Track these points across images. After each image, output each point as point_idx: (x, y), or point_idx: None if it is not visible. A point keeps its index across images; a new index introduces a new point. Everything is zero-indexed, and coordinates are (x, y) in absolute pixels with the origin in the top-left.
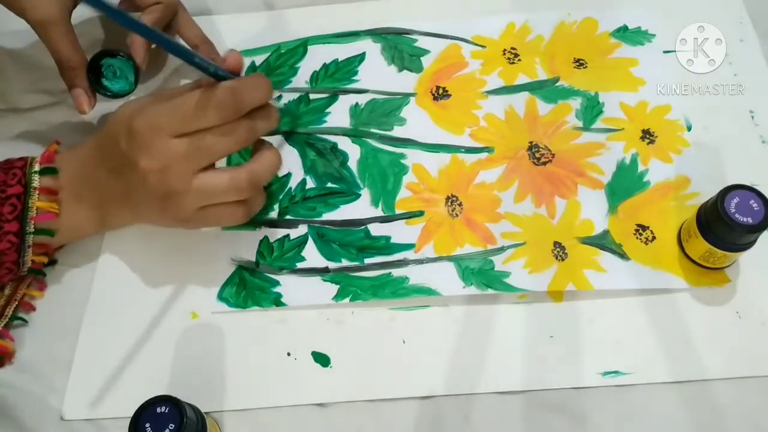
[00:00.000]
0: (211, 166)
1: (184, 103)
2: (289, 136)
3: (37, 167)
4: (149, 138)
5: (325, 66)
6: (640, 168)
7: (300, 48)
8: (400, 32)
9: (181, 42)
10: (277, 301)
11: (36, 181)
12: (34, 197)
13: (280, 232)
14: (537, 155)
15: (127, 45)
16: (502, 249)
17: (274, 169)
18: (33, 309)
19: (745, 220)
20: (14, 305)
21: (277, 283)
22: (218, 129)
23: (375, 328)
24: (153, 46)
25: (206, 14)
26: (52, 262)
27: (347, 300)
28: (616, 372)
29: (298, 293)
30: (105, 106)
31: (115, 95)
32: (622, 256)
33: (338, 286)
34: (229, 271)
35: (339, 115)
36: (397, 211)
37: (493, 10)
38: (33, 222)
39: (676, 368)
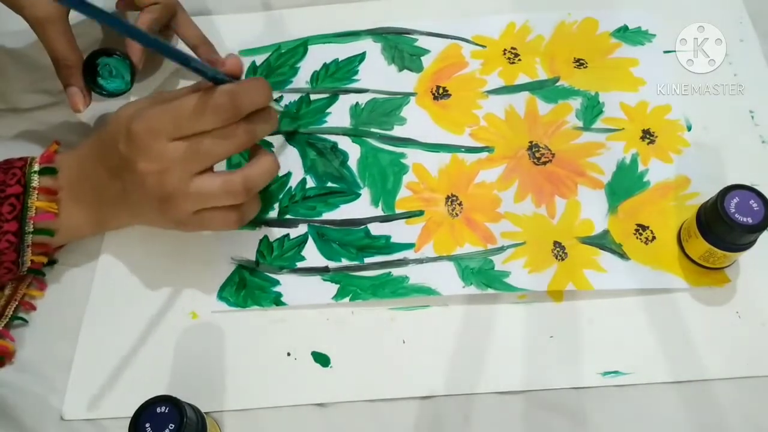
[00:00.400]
0: (210, 169)
1: (182, 106)
2: (290, 136)
3: (36, 167)
4: (147, 140)
5: (325, 66)
6: (640, 168)
7: (300, 48)
8: (401, 32)
9: (181, 46)
10: (277, 301)
11: (35, 181)
12: (33, 197)
13: (280, 232)
14: (537, 155)
15: (124, 44)
16: (502, 249)
17: (269, 175)
18: (33, 308)
19: (745, 220)
20: (14, 305)
21: (277, 283)
22: (216, 132)
23: (375, 328)
24: None
25: (206, 14)
26: (52, 262)
27: (347, 299)
28: (616, 372)
29: (298, 293)
30: (102, 105)
31: (111, 94)
32: (622, 255)
33: (338, 286)
34: (229, 270)
35: (339, 114)
36: (397, 211)
37: (493, 10)
38: (32, 222)
39: (676, 368)
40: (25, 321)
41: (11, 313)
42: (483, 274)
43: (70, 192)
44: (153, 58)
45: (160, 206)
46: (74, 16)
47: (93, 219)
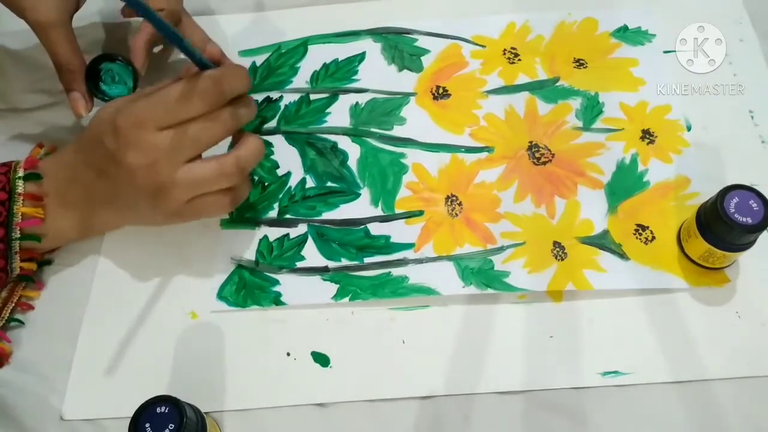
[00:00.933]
0: (198, 157)
1: (167, 95)
2: (290, 136)
3: (21, 173)
4: (135, 133)
5: (325, 66)
6: (640, 168)
7: (300, 48)
8: (401, 32)
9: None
10: (277, 300)
11: (20, 187)
12: (19, 203)
13: (280, 231)
14: (537, 155)
15: (127, 49)
16: (501, 249)
17: (259, 154)
18: (31, 308)
19: (744, 220)
20: (11, 307)
21: (276, 282)
22: (203, 118)
23: (375, 328)
24: (155, 50)
25: (207, 14)
26: (47, 262)
27: (347, 299)
28: (616, 372)
29: (298, 292)
30: None
31: (113, 100)
32: (622, 256)
33: (338, 286)
34: (228, 270)
35: (339, 114)
36: (397, 211)
37: (493, 10)
38: (18, 228)
39: (676, 368)
40: (22, 323)
41: (8, 314)
42: (483, 274)
43: (57, 197)
44: (156, 64)
45: (152, 200)
46: (77, 18)
47: (80, 223)
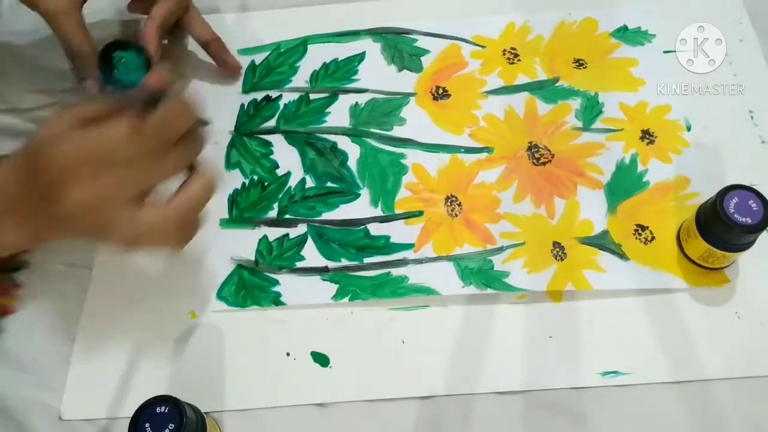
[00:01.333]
0: (144, 195)
1: (108, 135)
2: (289, 135)
3: None
4: (76, 170)
5: (325, 65)
6: (640, 168)
7: (300, 47)
8: (400, 32)
9: (191, 44)
10: (277, 300)
11: None
12: None
13: (280, 231)
14: (536, 155)
15: (137, 36)
16: (501, 249)
17: (203, 199)
18: (12, 312)
19: (744, 220)
20: None
21: (276, 283)
22: (148, 159)
23: (375, 328)
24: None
25: (207, 12)
26: (22, 265)
27: (346, 299)
28: (615, 372)
29: (298, 292)
30: None
31: (127, 88)
32: (622, 256)
33: (337, 286)
34: (228, 270)
35: (339, 114)
36: (397, 211)
37: (493, 10)
38: None
39: (676, 368)
40: None
41: None
42: (482, 274)
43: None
44: (167, 53)
45: (94, 237)
46: (85, 12)
47: (31, 238)
